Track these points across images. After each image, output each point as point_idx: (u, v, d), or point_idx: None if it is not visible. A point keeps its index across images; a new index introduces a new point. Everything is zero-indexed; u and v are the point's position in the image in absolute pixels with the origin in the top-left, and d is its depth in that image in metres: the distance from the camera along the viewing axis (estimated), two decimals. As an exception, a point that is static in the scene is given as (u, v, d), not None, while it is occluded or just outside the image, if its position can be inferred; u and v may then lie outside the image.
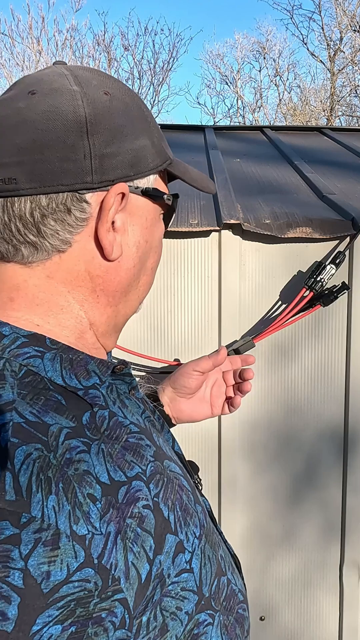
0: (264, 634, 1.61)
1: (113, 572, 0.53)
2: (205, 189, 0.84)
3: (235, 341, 1.46)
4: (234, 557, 0.83)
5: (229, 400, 1.14)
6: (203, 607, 0.67)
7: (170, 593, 0.61)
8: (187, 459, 0.85)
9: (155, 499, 0.62)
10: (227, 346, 1.45)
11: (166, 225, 0.80)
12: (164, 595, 0.60)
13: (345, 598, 1.59)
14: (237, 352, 1.38)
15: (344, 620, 1.60)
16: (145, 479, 0.62)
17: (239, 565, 0.85)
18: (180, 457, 0.84)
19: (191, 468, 0.80)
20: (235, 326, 1.47)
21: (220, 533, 0.83)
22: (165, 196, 0.74)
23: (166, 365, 1.47)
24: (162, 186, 0.75)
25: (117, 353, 1.40)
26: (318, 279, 1.37)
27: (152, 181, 0.72)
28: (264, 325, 1.47)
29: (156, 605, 0.59)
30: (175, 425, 1.14)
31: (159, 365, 1.45)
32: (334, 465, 1.55)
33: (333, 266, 1.37)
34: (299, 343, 1.50)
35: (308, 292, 1.38)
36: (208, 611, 0.68)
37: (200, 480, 0.94)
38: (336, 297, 1.38)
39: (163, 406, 1.10)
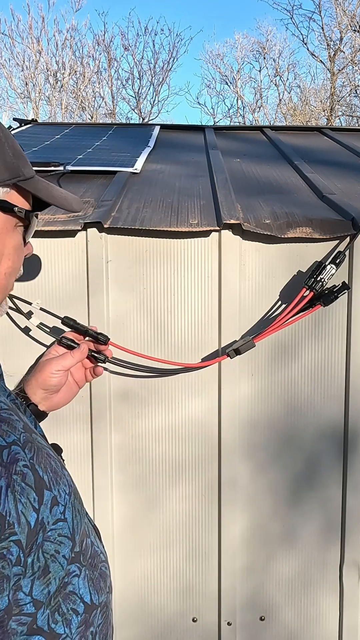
0: (264, 633, 1.61)
1: (8, 518, 0.68)
2: (66, 207, 0.95)
3: (235, 341, 1.46)
4: (95, 527, 0.97)
5: (93, 370, 1.27)
6: (74, 559, 0.80)
7: (50, 538, 0.74)
8: (50, 443, 0.97)
9: (31, 460, 0.74)
10: (227, 346, 1.45)
11: (26, 237, 0.89)
12: (45, 540, 0.73)
13: (346, 598, 1.59)
14: (237, 352, 1.38)
15: (344, 620, 1.60)
16: (20, 444, 0.74)
17: (98, 531, 0.99)
18: (43, 437, 0.96)
19: (55, 450, 0.90)
20: (235, 326, 1.47)
21: (82, 506, 0.94)
22: (16, 209, 0.84)
23: (167, 368, 1.47)
24: (17, 199, 0.86)
25: (117, 353, 1.40)
26: (318, 278, 1.37)
27: (2, 194, 0.83)
28: (264, 325, 1.47)
29: (39, 548, 0.72)
30: (48, 413, 1.23)
31: (159, 365, 1.45)
32: (334, 464, 1.55)
33: (333, 266, 1.37)
34: (299, 343, 1.50)
35: (308, 292, 1.38)
36: (76, 564, 0.81)
37: (64, 460, 1.02)
38: (336, 297, 1.38)
39: (37, 406, 1.19)
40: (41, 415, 1.20)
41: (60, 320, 1.33)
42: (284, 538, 1.58)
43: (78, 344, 1.25)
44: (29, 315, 1.38)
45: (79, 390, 1.27)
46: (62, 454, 1.05)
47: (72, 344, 1.26)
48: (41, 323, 1.38)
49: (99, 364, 1.27)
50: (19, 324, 1.45)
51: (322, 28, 15.65)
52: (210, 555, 1.57)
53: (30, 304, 1.36)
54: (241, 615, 1.59)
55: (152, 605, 1.59)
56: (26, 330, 1.45)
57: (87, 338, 1.29)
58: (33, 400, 1.18)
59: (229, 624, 1.58)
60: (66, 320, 1.28)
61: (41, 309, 1.36)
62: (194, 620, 1.60)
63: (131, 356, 1.42)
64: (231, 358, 1.39)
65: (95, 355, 1.27)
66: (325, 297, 1.38)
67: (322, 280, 1.36)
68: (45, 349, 1.36)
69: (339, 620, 1.61)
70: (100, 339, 1.28)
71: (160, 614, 1.59)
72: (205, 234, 1.44)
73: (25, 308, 1.40)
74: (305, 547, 1.58)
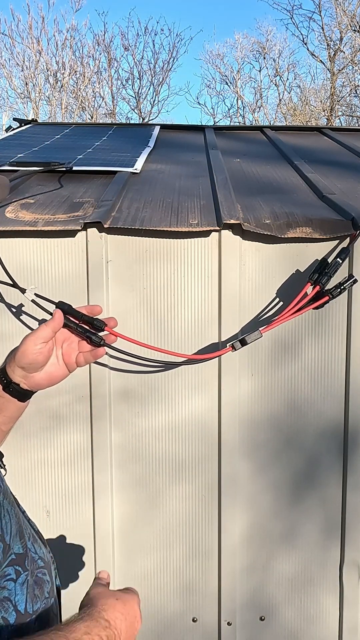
0: (265, 632, 1.61)
1: None
2: None
3: (236, 339, 1.46)
4: (37, 532, 0.95)
5: (91, 352, 1.18)
6: (13, 561, 0.78)
7: None
8: None
9: None
10: (233, 337, 1.43)
11: None
12: None
13: (346, 597, 1.59)
14: (243, 342, 1.36)
15: (344, 619, 1.60)
16: None
17: (42, 538, 0.96)
18: None
19: None
20: (235, 325, 1.47)
21: (23, 510, 0.93)
22: None
23: (169, 361, 1.47)
24: None
25: (121, 343, 1.40)
26: (324, 272, 1.36)
27: None
28: (264, 323, 1.47)
29: None
30: (36, 392, 1.17)
31: (161, 355, 1.44)
32: (334, 463, 1.55)
33: (339, 260, 1.36)
34: (299, 342, 1.50)
35: (313, 287, 1.37)
36: (17, 566, 0.78)
37: (5, 465, 1.02)
38: (344, 288, 1.37)
39: (19, 385, 1.13)
40: (25, 394, 1.15)
41: (54, 306, 1.30)
42: (284, 537, 1.58)
43: (76, 322, 1.18)
44: (23, 291, 1.35)
45: (70, 373, 1.20)
46: (3, 459, 1.04)
47: (67, 322, 1.21)
48: (36, 295, 1.33)
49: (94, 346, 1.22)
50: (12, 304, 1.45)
51: (322, 28, 15.64)
52: (210, 554, 1.57)
53: (24, 290, 1.34)
54: (241, 615, 1.59)
55: (152, 604, 1.59)
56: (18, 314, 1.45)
57: (81, 322, 1.26)
58: (13, 379, 1.13)
59: (229, 624, 1.58)
60: (61, 306, 1.25)
61: (36, 294, 1.34)
62: (194, 620, 1.60)
63: (132, 350, 1.40)
64: (235, 349, 1.36)
65: (91, 337, 1.23)
66: (333, 289, 1.37)
67: (329, 274, 1.36)
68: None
69: (339, 619, 1.61)
70: (95, 324, 1.25)
71: (160, 613, 1.59)
72: (205, 234, 1.44)
73: (18, 299, 1.40)
74: (305, 546, 1.58)
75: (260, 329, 1.37)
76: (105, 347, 1.20)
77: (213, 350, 1.48)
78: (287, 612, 1.61)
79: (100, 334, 1.22)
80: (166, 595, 1.59)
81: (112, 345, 1.24)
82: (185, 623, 1.60)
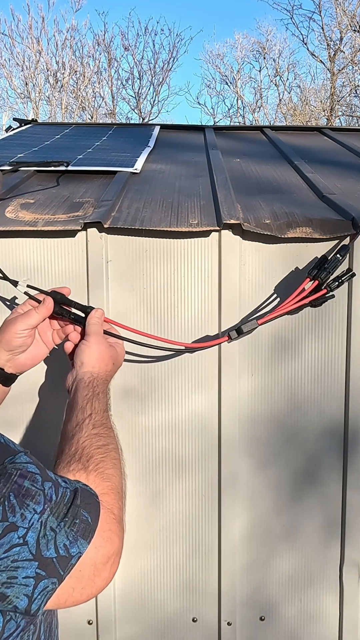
0: (265, 631, 1.61)
1: None
2: None
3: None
4: None
5: (61, 329, 1.24)
6: (50, 572, 0.78)
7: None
8: None
9: None
10: (230, 328, 1.42)
11: None
12: None
13: (346, 595, 1.59)
14: (239, 331, 1.35)
15: (344, 618, 1.60)
16: None
17: None
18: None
19: None
20: (235, 325, 1.47)
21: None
22: None
23: (166, 346, 1.47)
24: None
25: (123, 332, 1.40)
26: (323, 267, 1.35)
27: None
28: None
29: None
30: (19, 375, 1.21)
31: (161, 344, 1.42)
32: (335, 462, 1.55)
33: (339, 255, 1.36)
34: (299, 339, 1.51)
35: (312, 281, 1.36)
36: (52, 578, 0.78)
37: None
38: (342, 282, 1.36)
39: (3, 369, 1.17)
40: (9, 378, 1.18)
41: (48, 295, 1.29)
42: (285, 535, 1.58)
43: (69, 310, 1.22)
44: (15, 283, 1.34)
45: (48, 352, 1.24)
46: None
47: (60, 310, 1.21)
48: (28, 286, 1.32)
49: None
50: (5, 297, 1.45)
51: (322, 28, 15.64)
52: (210, 552, 1.57)
53: (17, 282, 1.34)
54: (241, 614, 1.59)
55: (152, 603, 1.59)
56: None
57: (73, 310, 1.27)
58: None
59: (229, 624, 1.59)
60: (54, 295, 1.26)
61: (28, 285, 1.33)
62: (194, 621, 1.60)
63: (129, 340, 1.38)
64: (232, 338, 1.35)
65: (83, 321, 1.23)
66: (331, 282, 1.36)
67: (327, 269, 1.35)
68: None
69: (339, 618, 1.61)
70: (88, 311, 1.26)
71: (160, 612, 1.59)
72: (205, 234, 1.44)
73: (11, 292, 1.40)
74: (306, 545, 1.58)
75: (257, 320, 1.36)
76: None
77: (213, 349, 1.48)
78: (287, 611, 1.61)
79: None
80: (166, 594, 1.59)
81: (109, 332, 1.25)
82: (185, 622, 1.60)
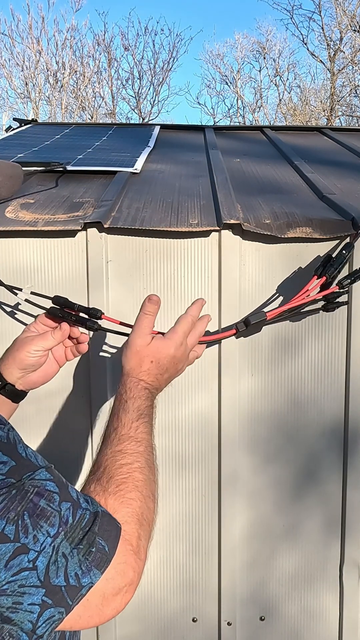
0: (265, 631, 1.61)
1: None
2: None
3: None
4: None
5: (76, 347, 1.22)
6: (58, 601, 0.74)
7: (6, 592, 0.71)
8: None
9: None
10: (241, 320, 1.41)
11: None
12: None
13: (346, 595, 1.59)
14: (247, 322, 1.33)
15: (344, 617, 1.60)
16: None
17: None
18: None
19: None
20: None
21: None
22: None
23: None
24: None
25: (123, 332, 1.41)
26: (329, 264, 1.34)
27: None
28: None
29: None
30: (28, 392, 1.19)
31: None
32: (336, 461, 1.55)
33: (344, 251, 1.35)
34: (299, 339, 1.51)
35: (319, 279, 1.35)
36: (60, 608, 0.75)
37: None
38: (355, 280, 1.34)
39: (14, 385, 1.15)
40: (19, 395, 1.17)
41: (50, 301, 1.30)
42: (285, 534, 1.58)
43: (71, 313, 1.21)
44: (18, 290, 1.33)
45: (59, 368, 1.23)
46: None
47: (63, 314, 1.19)
48: (29, 296, 1.35)
49: (80, 346, 1.23)
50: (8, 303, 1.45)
51: (322, 28, 15.65)
52: (211, 551, 1.57)
53: (20, 289, 1.34)
54: (241, 613, 1.60)
55: (152, 602, 1.59)
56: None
57: (77, 312, 1.27)
58: (9, 380, 1.14)
59: (229, 624, 1.59)
60: (57, 299, 1.26)
61: (32, 292, 1.34)
62: (194, 621, 1.60)
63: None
64: (239, 330, 1.32)
65: (87, 322, 1.22)
66: (342, 279, 1.35)
67: (334, 265, 1.33)
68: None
69: (339, 617, 1.61)
70: (91, 312, 1.26)
71: (160, 611, 1.59)
72: (205, 234, 1.45)
73: (10, 298, 1.40)
74: (306, 544, 1.58)
75: (265, 310, 1.34)
76: (87, 342, 1.22)
77: (213, 349, 1.48)
78: (287, 610, 1.61)
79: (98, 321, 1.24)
80: (166, 593, 1.59)
81: (110, 329, 1.25)
82: (185, 621, 1.60)
